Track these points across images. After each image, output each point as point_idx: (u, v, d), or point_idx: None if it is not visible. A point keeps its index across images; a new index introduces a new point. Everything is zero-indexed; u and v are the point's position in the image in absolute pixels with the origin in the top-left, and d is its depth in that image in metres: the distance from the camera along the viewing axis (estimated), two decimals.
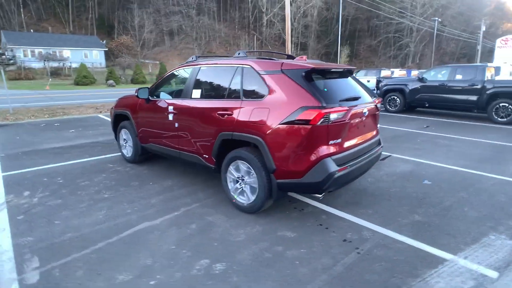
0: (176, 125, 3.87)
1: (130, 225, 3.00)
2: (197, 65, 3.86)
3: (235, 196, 3.32)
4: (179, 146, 3.92)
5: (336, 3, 49.50)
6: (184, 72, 4.08)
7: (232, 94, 3.33)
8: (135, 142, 4.69)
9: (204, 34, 52.12)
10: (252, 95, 3.14)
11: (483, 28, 32.78)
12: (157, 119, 4.20)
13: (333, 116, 2.74)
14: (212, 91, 3.65)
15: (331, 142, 2.80)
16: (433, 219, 3.15)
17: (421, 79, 10.30)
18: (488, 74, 9.09)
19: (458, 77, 9.46)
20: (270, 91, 2.97)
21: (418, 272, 2.34)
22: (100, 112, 10.56)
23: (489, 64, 9.78)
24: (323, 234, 2.86)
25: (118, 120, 5.11)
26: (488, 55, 34.53)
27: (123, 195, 3.69)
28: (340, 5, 36.30)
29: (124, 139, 5.00)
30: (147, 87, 4.34)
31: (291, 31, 49.61)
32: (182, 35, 50.92)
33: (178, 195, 3.71)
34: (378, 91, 11.93)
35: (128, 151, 4.98)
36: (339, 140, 2.87)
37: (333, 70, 3.24)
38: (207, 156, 3.56)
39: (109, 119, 5.70)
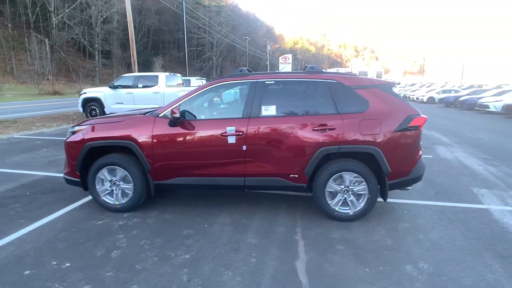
0: (244, 148, 3.33)
1: None
2: (253, 79, 3.48)
3: (337, 209, 3.39)
4: (246, 171, 3.39)
5: (138, 12, 48.30)
6: (233, 88, 3.52)
7: (324, 109, 3.37)
8: (142, 181, 3.48)
9: None
10: (349, 108, 3.34)
11: (269, 47, 42.28)
12: (201, 145, 3.39)
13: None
14: (293, 107, 3.46)
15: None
16: None
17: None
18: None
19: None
20: (372, 104, 3.31)
21: None
22: None
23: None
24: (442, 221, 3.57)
25: (91, 156, 3.54)
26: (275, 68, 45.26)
27: None
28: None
29: (113, 181, 3.55)
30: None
31: (93, 37, 44.05)
32: None
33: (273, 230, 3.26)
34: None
35: (119, 196, 3.58)
36: None
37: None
38: (296, 176, 3.37)
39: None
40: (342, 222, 3.39)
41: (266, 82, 3.49)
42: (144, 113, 3.81)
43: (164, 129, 3.43)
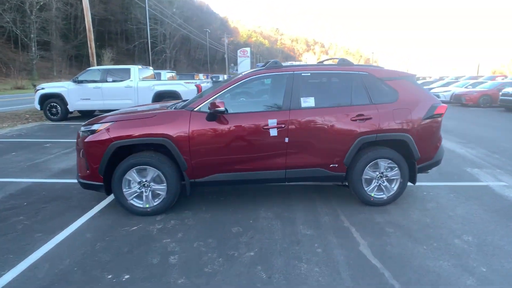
0: (286, 140, 3.32)
1: None
2: (290, 71, 3.47)
3: (372, 195, 3.56)
4: (287, 164, 3.39)
5: None
6: (268, 80, 3.47)
7: (358, 100, 3.48)
8: (176, 181, 3.29)
9: None
10: (382, 98, 3.50)
11: (227, 40, 41.77)
12: (244, 139, 3.31)
13: None
14: (329, 98, 3.51)
15: None
16: None
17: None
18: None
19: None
20: (401, 94, 3.51)
21: None
22: None
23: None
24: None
25: (118, 155, 3.25)
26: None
27: None
28: None
29: (142, 182, 3.30)
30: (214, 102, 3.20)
31: (28, 26, 39.39)
32: None
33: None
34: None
35: (150, 198, 3.34)
36: None
37: None
38: (336, 165, 3.46)
39: None
40: (378, 206, 3.57)
41: (302, 74, 3.49)
42: (167, 107, 3.58)
43: (202, 124, 3.26)
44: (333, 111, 3.42)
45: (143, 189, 3.35)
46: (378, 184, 3.57)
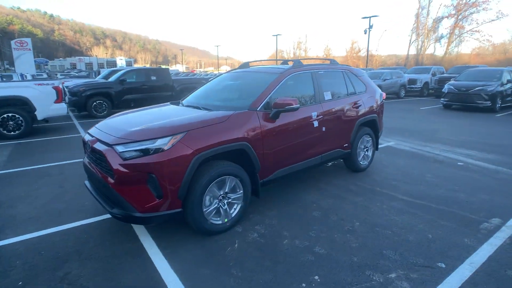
0: (324, 129, 3.92)
1: None
2: (312, 69, 4.03)
3: (361, 162, 4.79)
4: (323, 149, 4.02)
5: None
6: (299, 78, 3.84)
7: (350, 91, 4.52)
8: (249, 185, 3.22)
9: None
10: (359, 89, 4.70)
11: None
12: (299, 133, 3.63)
13: None
14: (337, 91, 4.28)
15: None
16: None
17: None
18: None
19: None
20: (367, 86, 4.86)
21: None
22: None
23: None
24: None
25: (199, 166, 2.81)
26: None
27: None
28: None
29: (221, 195, 3.00)
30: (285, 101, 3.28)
31: None
32: None
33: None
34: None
35: (227, 212, 3.09)
36: None
37: None
38: (346, 145, 4.40)
39: None
40: (361, 172, 4.81)
41: (319, 72, 4.10)
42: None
43: (269, 123, 3.27)
44: (342, 101, 4.29)
45: (220, 203, 3.00)
46: (363, 154, 4.80)
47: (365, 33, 27.83)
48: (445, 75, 16.88)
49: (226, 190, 3.02)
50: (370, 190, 4.10)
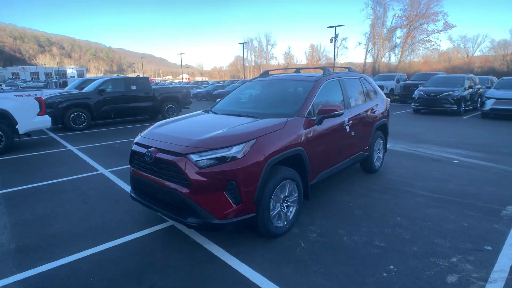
0: (353, 133, 4.27)
1: None
2: (338, 77, 4.37)
3: (376, 163, 5.22)
4: (351, 152, 4.36)
5: None
6: (330, 85, 4.16)
7: (367, 97, 4.93)
8: (302, 189, 3.42)
9: None
10: (372, 95, 5.15)
11: None
12: (335, 138, 3.94)
13: None
14: (358, 96, 4.66)
15: None
16: None
17: None
18: None
19: None
20: (377, 93, 5.33)
21: None
22: None
23: None
24: None
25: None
26: None
27: None
28: None
29: (283, 199, 3.19)
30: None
31: None
32: None
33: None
34: None
35: (287, 215, 3.28)
36: None
37: None
38: (367, 148, 4.79)
39: None
40: (375, 172, 5.24)
41: (344, 79, 4.45)
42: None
43: (314, 128, 3.51)
44: (364, 107, 4.68)
45: (281, 207, 3.18)
46: (376, 156, 5.23)
47: (331, 42, 29.50)
48: (409, 81, 18.43)
49: (286, 194, 3.20)
50: (392, 189, 4.51)
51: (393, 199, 4.15)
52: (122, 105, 11.28)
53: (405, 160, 6.05)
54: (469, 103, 13.05)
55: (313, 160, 3.51)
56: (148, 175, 3.07)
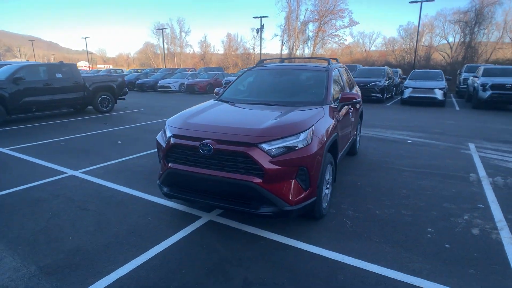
0: (352, 119, 4.77)
1: None
2: (339, 67, 4.81)
3: (357, 145, 5.89)
4: (351, 137, 4.87)
5: None
6: (337, 74, 4.53)
7: (352, 85, 5.49)
8: (335, 173, 3.79)
9: None
10: (353, 83, 5.74)
11: None
12: (346, 123, 4.37)
13: None
14: (349, 85, 5.16)
15: None
16: None
17: None
18: None
19: None
20: (354, 82, 5.96)
21: None
22: None
23: None
24: None
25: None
26: None
27: None
28: None
29: (326, 181, 3.47)
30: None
31: None
32: None
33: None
34: None
35: (327, 197, 3.57)
36: None
37: None
38: (355, 132, 5.38)
39: None
40: (355, 155, 5.91)
41: (340, 69, 4.86)
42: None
43: (338, 115, 3.84)
44: (355, 94, 5.19)
45: (326, 190, 3.43)
46: (357, 138, 5.88)
47: (257, 32, 30.36)
48: None
49: (328, 177, 3.46)
50: (381, 167, 5.19)
51: (388, 175, 4.80)
52: (47, 96, 9.71)
53: (371, 143, 6.92)
54: (388, 92, 15.30)
55: (340, 142, 3.86)
56: (201, 169, 2.93)
